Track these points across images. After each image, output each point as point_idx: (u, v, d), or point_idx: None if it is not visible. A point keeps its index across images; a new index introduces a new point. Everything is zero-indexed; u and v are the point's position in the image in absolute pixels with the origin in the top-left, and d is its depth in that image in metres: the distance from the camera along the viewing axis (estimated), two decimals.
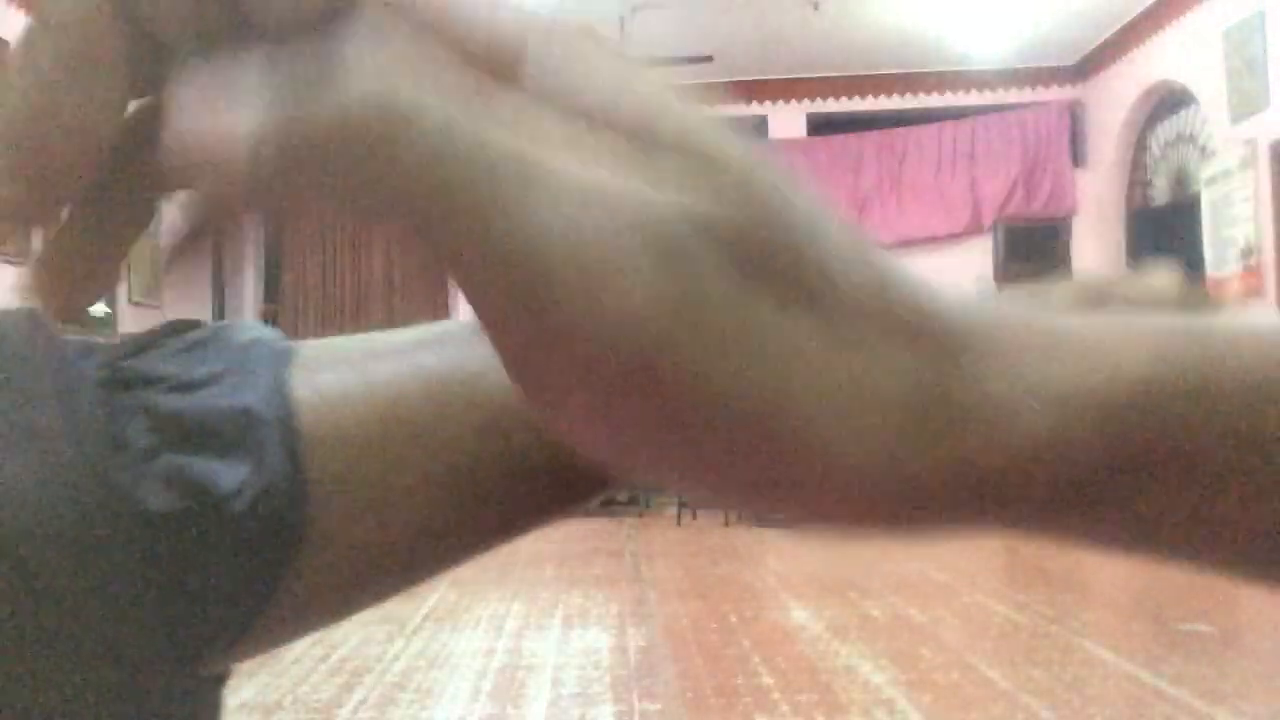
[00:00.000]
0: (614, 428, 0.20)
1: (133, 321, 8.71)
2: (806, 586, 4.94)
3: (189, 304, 9.29)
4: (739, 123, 0.20)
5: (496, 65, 0.19)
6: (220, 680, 0.35)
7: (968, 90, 9.80)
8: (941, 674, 2.74)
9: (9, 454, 0.30)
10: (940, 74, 9.68)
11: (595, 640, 3.35)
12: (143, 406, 0.33)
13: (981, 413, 0.20)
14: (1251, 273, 7.38)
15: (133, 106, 0.20)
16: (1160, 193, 9.05)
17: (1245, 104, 7.35)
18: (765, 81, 9.85)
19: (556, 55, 0.19)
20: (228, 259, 8.34)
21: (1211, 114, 7.84)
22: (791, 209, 0.19)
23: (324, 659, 3.61)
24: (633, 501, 8.04)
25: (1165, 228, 8.75)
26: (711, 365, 0.19)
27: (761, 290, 0.19)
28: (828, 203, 0.20)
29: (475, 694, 2.78)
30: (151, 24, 0.18)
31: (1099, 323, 0.22)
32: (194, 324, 0.37)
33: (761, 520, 7.05)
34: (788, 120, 10.03)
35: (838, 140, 9.92)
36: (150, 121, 0.19)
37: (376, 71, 0.18)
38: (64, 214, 0.20)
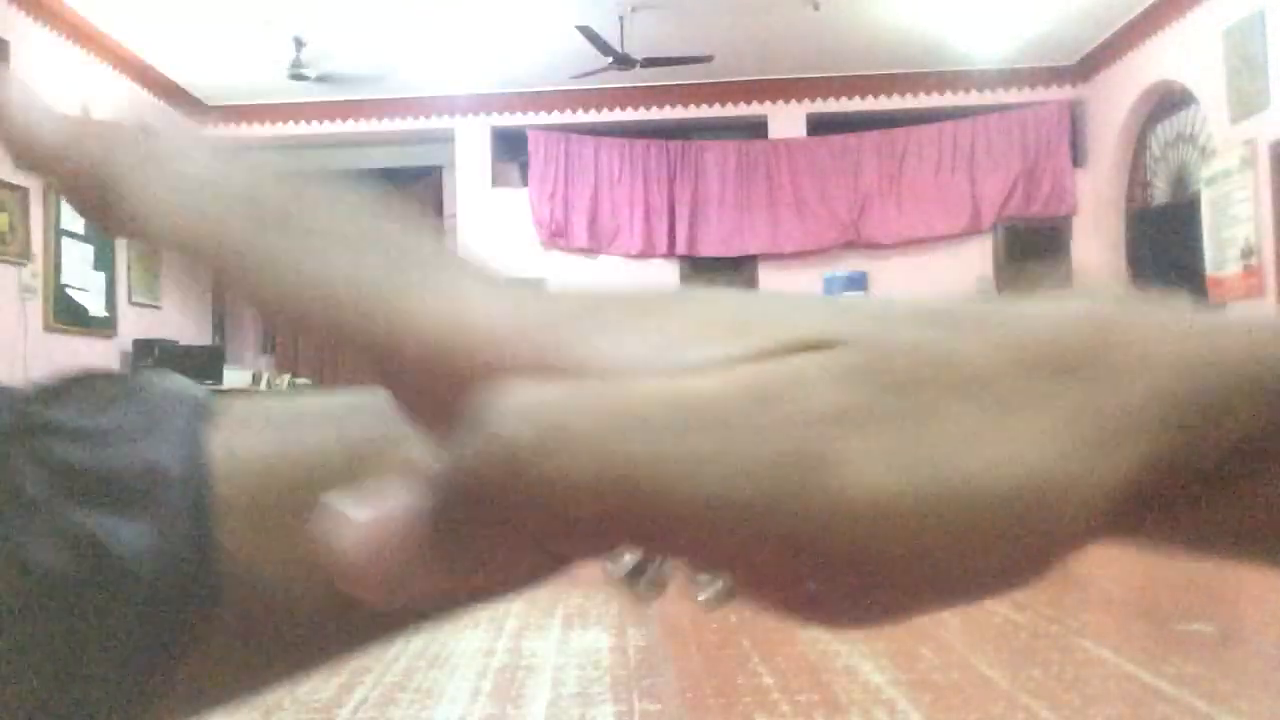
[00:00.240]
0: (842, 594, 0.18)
1: (133, 321, 8.73)
2: None
3: (189, 307, 9.30)
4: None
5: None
6: None
7: (968, 90, 9.80)
8: (941, 674, 2.73)
9: None
10: (940, 74, 9.68)
11: (595, 640, 3.35)
12: (41, 456, 0.30)
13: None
14: (1251, 273, 7.38)
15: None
16: (1160, 193, 9.06)
17: (1245, 104, 7.36)
18: (765, 81, 9.86)
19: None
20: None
21: (1211, 114, 7.84)
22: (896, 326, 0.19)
23: None
24: None
25: (1165, 228, 8.76)
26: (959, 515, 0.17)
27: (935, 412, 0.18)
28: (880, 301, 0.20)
29: (475, 694, 2.77)
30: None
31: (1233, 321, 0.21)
32: (112, 374, 0.34)
33: None
34: (788, 120, 10.03)
35: (838, 140, 9.92)
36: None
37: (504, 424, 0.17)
38: None
